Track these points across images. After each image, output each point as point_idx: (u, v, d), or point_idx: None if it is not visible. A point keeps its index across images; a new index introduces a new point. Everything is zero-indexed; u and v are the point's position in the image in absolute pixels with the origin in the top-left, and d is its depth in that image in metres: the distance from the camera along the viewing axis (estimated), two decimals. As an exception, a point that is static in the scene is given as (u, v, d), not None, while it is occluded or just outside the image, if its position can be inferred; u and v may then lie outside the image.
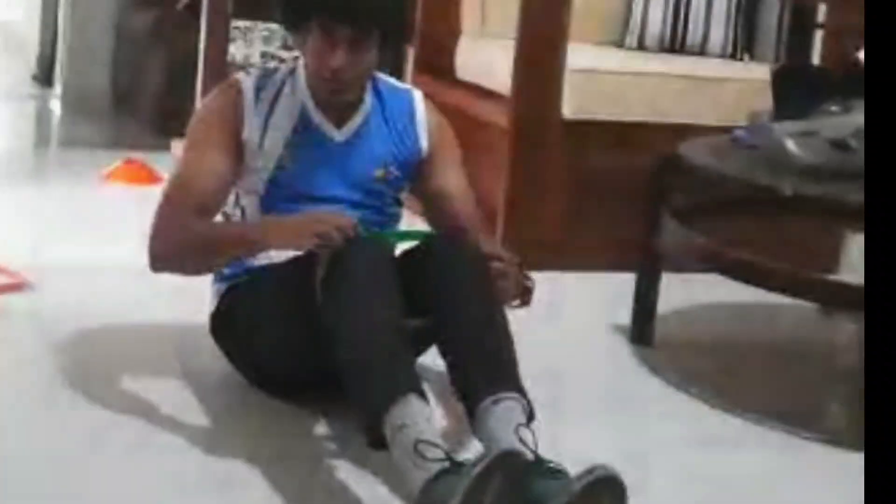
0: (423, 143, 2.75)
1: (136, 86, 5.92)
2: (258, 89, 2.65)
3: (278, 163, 2.64)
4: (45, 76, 6.52)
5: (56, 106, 6.12)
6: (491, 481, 2.05)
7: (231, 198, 2.69)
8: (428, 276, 2.44)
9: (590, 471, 2.13)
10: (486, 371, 2.34)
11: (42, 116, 6.09)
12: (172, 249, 2.57)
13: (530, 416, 2.30)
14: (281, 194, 2.65)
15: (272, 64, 2.78)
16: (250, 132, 2.63)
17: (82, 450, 2.42)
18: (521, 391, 2.32)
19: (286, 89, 2.67)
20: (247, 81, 2.67)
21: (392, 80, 2.81)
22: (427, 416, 2.19)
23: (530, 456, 2.20)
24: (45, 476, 2.29)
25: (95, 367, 2.79)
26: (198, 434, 2.50)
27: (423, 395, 2.23)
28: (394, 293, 2.37)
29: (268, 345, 2.59)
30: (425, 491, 2.09)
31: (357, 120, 2.68)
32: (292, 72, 2.69)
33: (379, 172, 2.70)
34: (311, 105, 2.66)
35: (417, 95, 2.79)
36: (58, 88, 6.25)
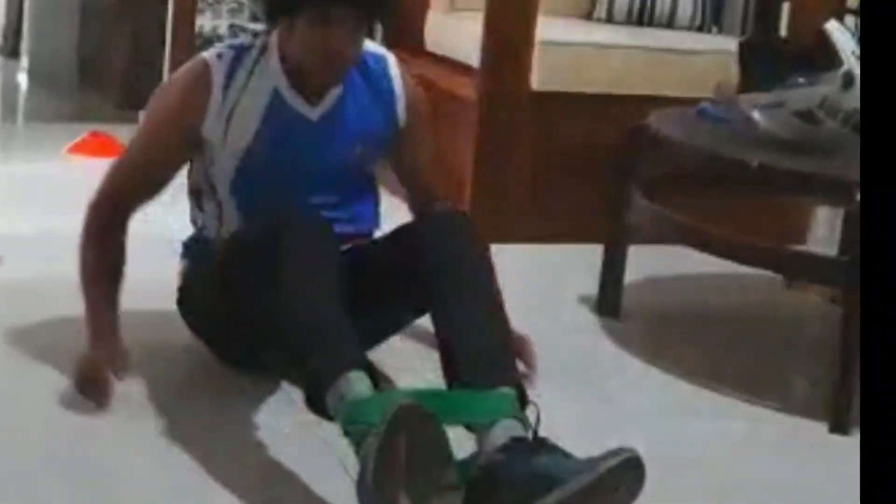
0: (401, 115, 2.68)
1: (103, 58, 5.88)
2: (229, 76, 2.57)
3: (246, 151, 2.58)
4: (11, 48, 6.47)
5: (22, 78, 6.08)
6: (398, 439, 2.00)
7: (206, 190, 2.66)
8: (425, 253, 2.42)
9: (615, 452, 2.06)
10: (479, 366, 2.27)
11: (8, 89, 6.05)
12: (82, 247, 2.68)
13: (523, 402, 2.25)
14: (252, 180, 2.61)
15: (245, 38, 2.68)
16: (210, 131, 2.57)
17: (46, 417, 2.42)
18: (515, 383, 2.27)
19: (257, 71, 2.58)
20: (218, 73, 2.57)
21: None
22: (367, 387, 2.17)
23: (528, 434, 2.15)
24: (8, 446, 2.29)
25: (62, 339, 2.78)
26: (159, 406, 2.50)
27: (363, 366, 2.20)
28: (334, 268, 2.35)
29: (225, 322, 2.58)
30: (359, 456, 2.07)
31: (332, 95, 2.61)
32: (263, 50, 2.60)
33: (357, 149, 2.64)
34: (284, 85, 2.58)
35: (392, 61, 2.69)
36: (24, 60, 6.20)
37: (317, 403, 2.21)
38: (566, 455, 2.12)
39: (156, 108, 2.68)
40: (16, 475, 2.20)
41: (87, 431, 2.38)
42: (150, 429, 2.39)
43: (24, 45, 6.22)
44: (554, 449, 2.13)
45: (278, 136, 2.58)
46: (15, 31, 6.42)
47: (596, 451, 2.15)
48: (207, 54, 2.62)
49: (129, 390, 2.54)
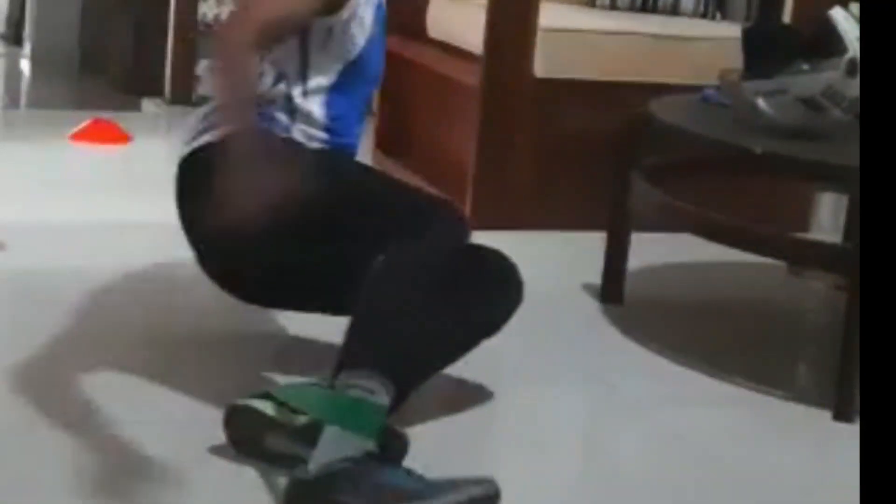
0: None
1: (106, 45, 5.88)
2: None
3: (368, 38, 2.56)
4: (13, 35, 6.48)
5: (25, 65, 6.08)
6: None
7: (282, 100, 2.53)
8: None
9: (478, 482, 2.03)
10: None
11: (11, 76, 6.05)
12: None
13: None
14: (355, 75, 2.57)
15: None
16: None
17: (48, 407, 2.42)
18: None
19: None
20: None
21: None
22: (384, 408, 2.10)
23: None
24: (14, 428, 2.30)
25: (66, 325, 2.78)
26: (154, 391, 2.50)
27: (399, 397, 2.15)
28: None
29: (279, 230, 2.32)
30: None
31: None
32: None
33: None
34: None
35: None
36: (27, 47, 6.20)
37: (360, 356, 2.14)
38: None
39: None
40: (15, 469, 2.21)
41: (81, 411, 2.38)
42: (145, 414, 2.40)
43: (27, 32, 6.22)
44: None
45: (377, 29, 2.60)
46: (18, 18, 6.42)
47: (599, 440, 2.15)
48: None
49: (124, 378, 2.55)
